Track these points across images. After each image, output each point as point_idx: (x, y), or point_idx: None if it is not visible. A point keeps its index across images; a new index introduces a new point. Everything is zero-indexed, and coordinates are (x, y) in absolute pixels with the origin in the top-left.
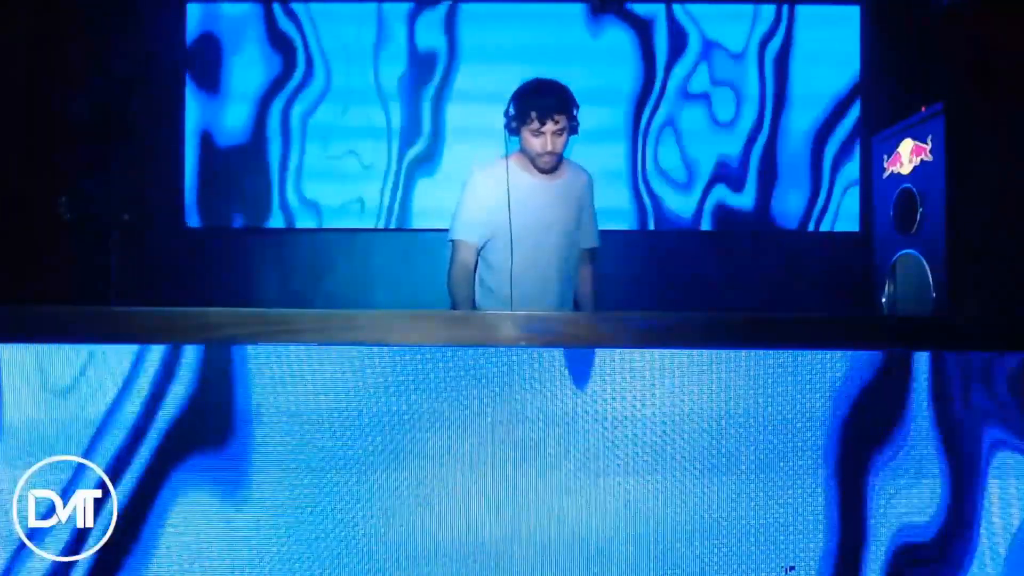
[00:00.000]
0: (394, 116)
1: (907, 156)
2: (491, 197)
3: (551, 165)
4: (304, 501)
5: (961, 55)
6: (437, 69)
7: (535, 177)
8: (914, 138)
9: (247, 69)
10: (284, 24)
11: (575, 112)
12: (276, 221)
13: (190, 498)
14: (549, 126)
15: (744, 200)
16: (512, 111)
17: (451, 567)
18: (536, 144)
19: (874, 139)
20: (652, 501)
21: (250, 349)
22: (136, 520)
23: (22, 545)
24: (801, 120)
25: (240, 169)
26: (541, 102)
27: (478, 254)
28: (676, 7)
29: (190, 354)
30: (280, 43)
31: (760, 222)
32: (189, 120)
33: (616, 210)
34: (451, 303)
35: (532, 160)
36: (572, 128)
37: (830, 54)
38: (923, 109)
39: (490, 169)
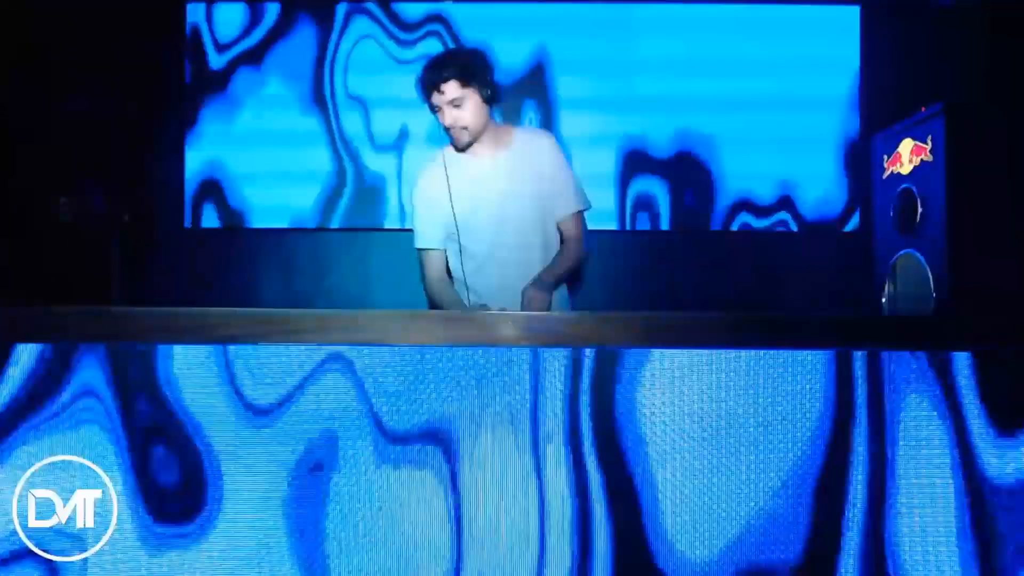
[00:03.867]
0: (396, 116)
1: (907, 156)
2: (435, 194)
3: (464, 140)
4: (301, 497)
5: (961, 55)
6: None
7: (475, 157)
8: (914, 138)
9: (248, 68)
10: (286, 22)
11: (479, 79)
12: (276, 221)
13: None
14: (437, 98)
15: (743, 200)
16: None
17: (448, 563)
18: (441, 121)
19: (874, 139)
20: (653, 499)
21: (250, 348)
22: (134, 519)
23: (22, 545)
24: (801, 120)
25: (240, 169)
26: (425, 76)
27: (447, 255)
28: (676, 7)
29: (190, 354)
30: (282, 42)
31: (760, 222)
32: (189, 120)
33: (616, 210)
34: (435, 308)
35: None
36: (485, 97)
37: (830, 54)
38: (923, 109)
39: (428, 166)
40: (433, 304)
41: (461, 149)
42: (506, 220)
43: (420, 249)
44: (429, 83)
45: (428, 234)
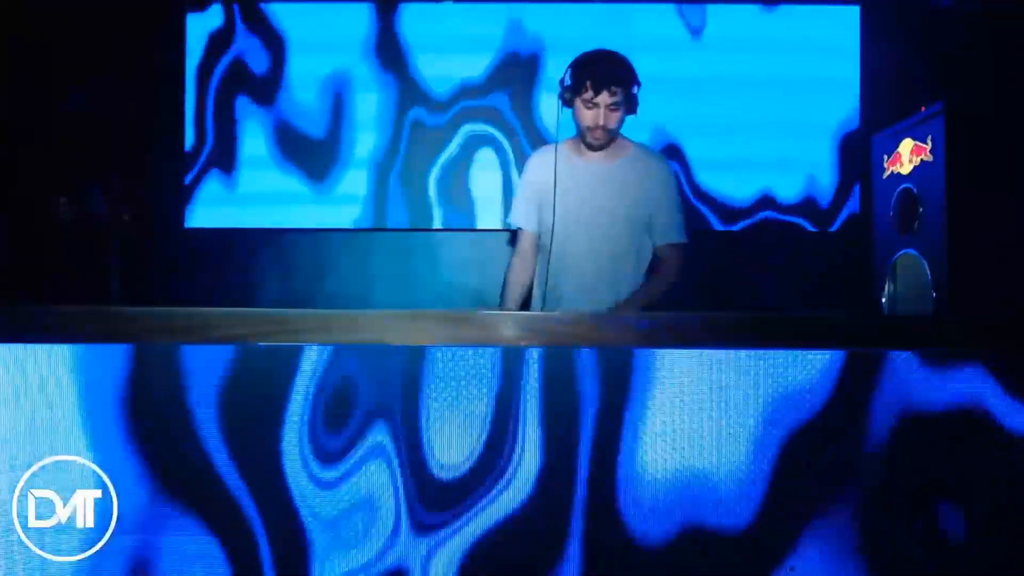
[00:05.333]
0: (392, 114)
1: (907, 156)
2: (540, 181)
3: (602, 142)
4: (302, 497)
5: (961, 55)
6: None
7: (588, 160)
8: (914, 138)
9: (247, 69)
10: (283, 24)
11: (634, 89)
12: (276, 221)
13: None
14: (603, 97)
15: (743, 200)
16: (567, 80)
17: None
18: (588, 117)
19: (874, 139)
20: (653, 500)
21: (252, 348)
22: (136, 520)
23: (22, 545)
24: (801, 120)
25: (240, 168)
26: (598, 71)
27: (539, 242)
28: (675, 7)
29: (190, 354)
30: (279, 43)
31: (759, 221)
32: (189, 120)
33: None
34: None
35: (582, 137)
36: (629, 107)
37: (830, 54)
38: (923, 109)
39: (543, 153)
40: (503, 285)
41: (596, 149)
42: (600, 227)
43: (514, 227)
44: (604, 80)
45: (522, 214)
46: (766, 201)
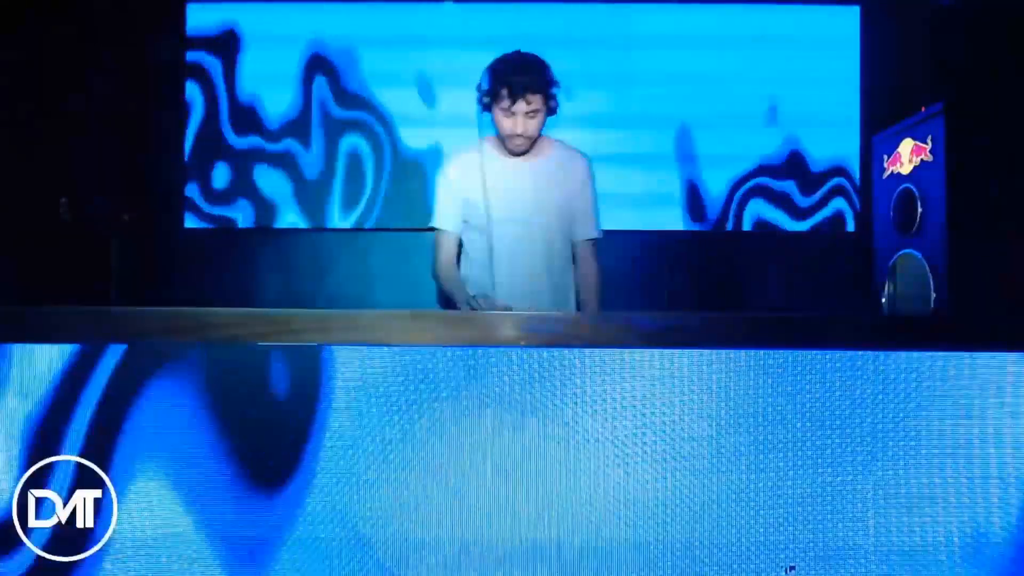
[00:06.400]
0: (392, 114)
1: (907, 156)
2: (462, 182)
3: (522, 148)
4: (299, 502)
5: (961, 55)
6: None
7: (510, 159)
8: (914, 138)
9: (248, 69)
10: (284, 23)
11: (553, 91)
12: (276, 221)
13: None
14: (521, 106)
15: (743, 200)
16: (485, 85)
17: (449, 566)
18: (506, 125)
19: (874, 139)
20: (652, 500)
21: (251, 349)
22: (134, 520)
23: (22, 545)
24: (801, 120)
25: (240, 169)
26: (515, 79)
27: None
28: (674, 7)
29: (191, 354)
30: (280, 42)
31: (759, 222)
32: (190, 120)
33: (616, 211)
34: (441, 294)
35: (503, 142)
36: (550, 108)
37: (830, 54)
38: (923, 109)
39: (464, 154)
40: (440, 286)
41: (518, 154)
42: (533, 224)
43: (438, 229)
44: (518, 89)
45: (450, 216)
46: (765, 200)
